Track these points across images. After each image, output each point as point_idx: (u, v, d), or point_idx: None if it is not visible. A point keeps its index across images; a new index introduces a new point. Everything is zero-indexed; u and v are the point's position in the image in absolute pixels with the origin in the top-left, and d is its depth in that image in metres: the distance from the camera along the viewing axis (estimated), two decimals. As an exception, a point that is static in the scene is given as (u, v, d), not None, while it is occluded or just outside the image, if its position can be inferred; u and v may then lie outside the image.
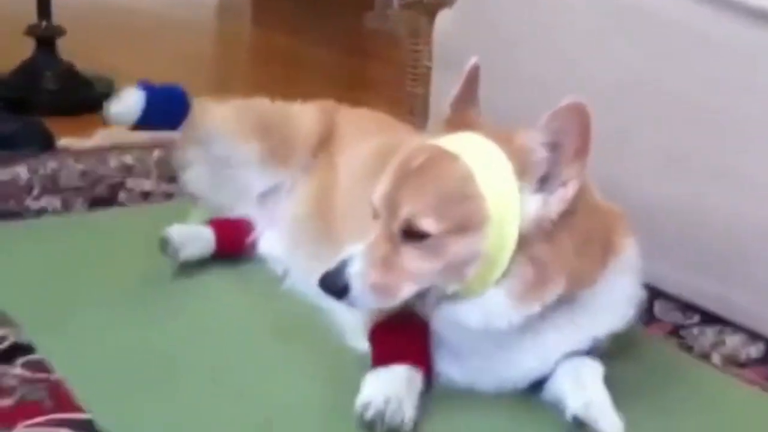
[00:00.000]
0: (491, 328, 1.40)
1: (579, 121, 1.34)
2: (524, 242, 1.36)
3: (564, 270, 1.38)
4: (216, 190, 1.92)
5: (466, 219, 1.35)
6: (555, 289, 1.38)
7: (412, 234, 1.36)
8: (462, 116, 1.47)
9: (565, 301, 1.42)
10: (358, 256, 1.38)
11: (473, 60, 1.49)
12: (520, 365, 1.47)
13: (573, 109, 1.34)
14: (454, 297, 1.40)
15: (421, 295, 1.41)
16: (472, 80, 1.49)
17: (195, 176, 1.94)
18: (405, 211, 1.36)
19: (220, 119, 1.90)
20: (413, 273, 1.37)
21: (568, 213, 1.37)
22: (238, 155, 1.88)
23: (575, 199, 1.38)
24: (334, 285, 1.37)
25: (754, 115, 1.73)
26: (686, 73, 1.83)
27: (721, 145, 1.79)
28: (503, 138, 1.39)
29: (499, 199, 1.35)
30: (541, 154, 1.36)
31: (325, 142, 1.92)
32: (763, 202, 1.73)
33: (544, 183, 1.37)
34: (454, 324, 1.43)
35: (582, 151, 1.36)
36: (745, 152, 1.76)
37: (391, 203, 1.38)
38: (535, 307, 1.38)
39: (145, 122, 1.83)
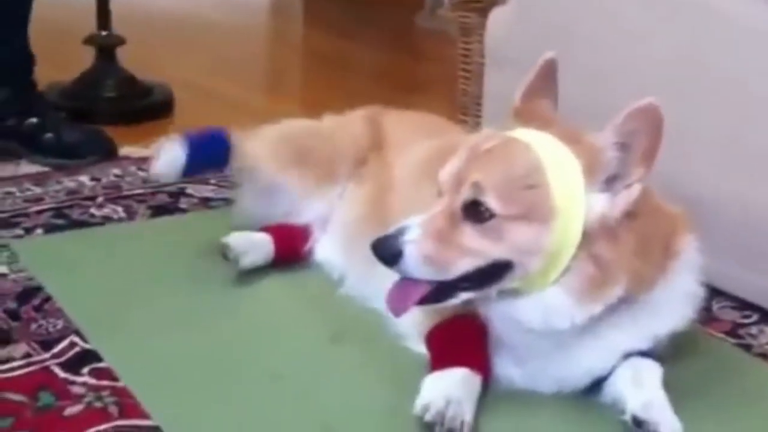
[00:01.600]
0: (551, 327, 1.40)
1: (652, 123, 1.34)
2: (587, 240, 1.36)
3: (625, 271, 1.37)
4: (266, 217, 1.93)
5: (533, 208, 1.35)
6: (616, 290, 1.38)
7: (475, 212, 1.36)
8: (532, 108, 1.47)
9: (626, 301, 1.42)
10: (415, 225, 1.37)
11: (549, 54, 1.49)
12: (580, 365, 1.47)
13: (647, 110, 1.34)
14: (514, 294, 1.40)
15: (483, 294, 1.40)
16: (545, 73, 1.49)
17: (246, 209, 1.96)
18: (471, 185, 1.36)
19: (257, 155, 1.91)
20: (471, 251, 1.36)
21: (631, 214, 1.38)
22: (282, 187, 1.90)
23: (638, 201, 1.38)
24: (387, 250, 1.36)
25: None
26: (741, 64, 1.81)
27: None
28: (573, 137, 1.39)
29: (567, 194, 1.35)
30: (611, 154, 1.36)
31: (374, 147, 1.93)
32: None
33: (610, 183, 1.37)
34: (513, 323, 1.43)
35: (651, 153, 1.35)
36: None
37: (458, 181, 1.39)
38: (597, 308, 1.38)
39: (191, 173, 1.86)
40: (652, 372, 1.47)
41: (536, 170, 1.36)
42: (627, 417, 1.40)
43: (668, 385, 1.46)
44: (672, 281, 1.46)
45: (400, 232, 1.37)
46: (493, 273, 1.38)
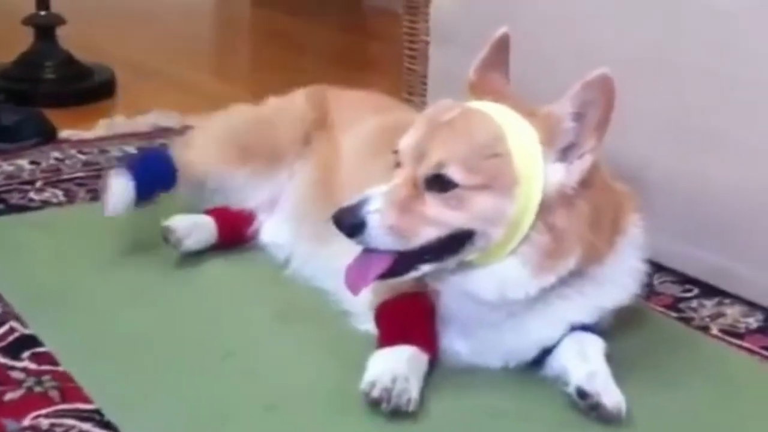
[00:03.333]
0: (506, 299, 1.41)
1: (606, 93, 1.36)
2: (545, 210, 1.37)
3: (579, 241, 1.39)
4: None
5: (496, 177, 1.36)
6: (570, 261, 1.39)
7: (438, 183, 1.36)
8: (486, 82, 1.48)
9: (576, 275, 1.43)
10: (378, 195, 1.36)
11: (503, 29, 1.51)
12: (529, 337, 1.48)
13: (602, 81, 1.35)
14: (470, 266, 1.41)
15: (444, 266, 1.40)
16: (499, 48, 1.50)
17: (197, 201, 1.94)
18: (435, 159, 1.36)
19: (202, 163, 1.89)
20: (434, 220, 1.36)
21: (585, 185, 1.39)
22: (232, 183, 1.89)
23: (591, 172, 1.39)
24: (350, 221, 1.34)
25: (758, 83, 1.73)
26: (688, 42, 1.82)
27: (724, 115, 1.78)
28: (528, 108, 1.41)
29: (527, 163, 1.36)
30: (568, 123, 1.38)
31: (319, 127, 1.92)
32: (763, 171, 1.73)
33: (566, 152, 1.39)
34: (467, 297, 1.43)
35: (603, 123, 1.37)
36: (747, 121, 1.76)
37: (419, 152, 1.38)
38: (550, 279, 1.39)
39: (144, 199, 1.84)
40: (595, 346, 1.49)
41: (498, 139, 1.37)
42: (571, 389, 1.42)
43: (612, 358, 1.48)
44: (619, 257, 1.48)
45: (363, 202, 1.35)
46: (454, 243, 1.38)
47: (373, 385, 1.38)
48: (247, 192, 1.90)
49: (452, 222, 1.37)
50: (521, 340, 1.49)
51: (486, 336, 1.49)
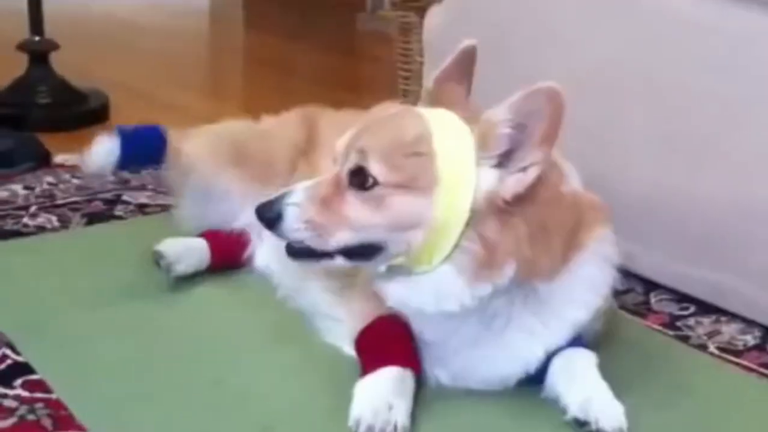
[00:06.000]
0: (442, 309, 1.39)
1: (551, 106, 1.31)
2: (476, 218, 1.34)
3: (514, 256, 1.36)
4: (205, 221, 1.90)
5: (416, 177, 1.34)
6: (505, 271, 1.36)
7: (359, 179, 1.36)
8: (445, 92, 1.46)
9: (528, 297, 1.42)
10: (299, 190, 1.38)
11: (469, 41, 1.48)
12: (498, 368, 1.47)
13: (546, 93, 1.31)
14: (404, 273, 1.39)
15: (362, 266, 1.39)
16: (462, 60, 1.48)
17: (184, 210, 1.93)
18: (357, 153, 1.36)
19: (195, 154, 1.88)
20: (352, 220, 1.36)
21: (527, 200, 1.35)
22: (219, 185, 1.86)
23: (536, 187, 1.35)
24: (268, 213, 1.36)
25: (740, 98, 1.74)
26: (672, 58, 1.83)
27: (709, 130, 1.79)
28: (472, 115, 1.39)
29: (454, 166, 1.34)
30: (504, 129, 1.34)
31: (306, 150, 1.91)
32: (753, 185, 1.73)
33: (504, 161, 1.35)
34: (409, 307, 1.43)
35: (549, 138, 1.33)
36: (732, 136, 1.76)
37: (349, 148, 1.39)
38: (486, 288, 1.36)
39: (124, 167, 1.83)
40: (585, 362, 1.46)
41: (422, 139, 1.35)
42: (569, 418, 1.40)
43: (608, 378, 1.46)
44: (575, 274, 1.44)
45: (284, 195, 1.37)
46: (366, 250, 1.38)
47: (358, 423, 1.37)
48: (234, 202, 1.86)
49: (368, 225, 1.36)
50: (493, 372, 1.47)
51: (459, 364, 1.48)
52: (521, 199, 1.35)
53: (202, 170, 1.87)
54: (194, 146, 1.90)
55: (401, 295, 1.43)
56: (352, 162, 1.37)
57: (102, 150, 1.81)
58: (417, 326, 1.48)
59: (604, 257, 1.49)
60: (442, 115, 1.40)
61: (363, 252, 1.39)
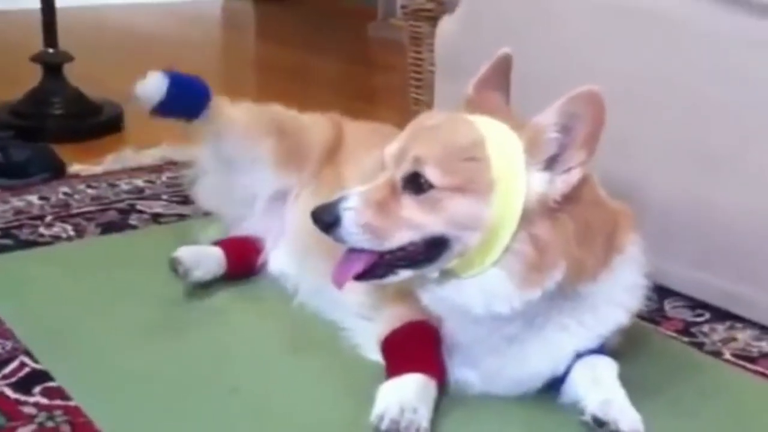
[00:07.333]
0: (492, 311, 1.40)
1: (593, 108, 1.36)
2: (527, 220, 1.37)
3: (564, 255, 1.38)
4: (225, 196, 1.92)
5: (472, 180, 1.36)
6: (555, 274, 1.38)
7: (414, 184, 1.37)
8: (484, 99, 1.49)
9: (569, 298, 1.43)
10: (356, 194, 1.39)
11: (505, 49, 1.52)
12: (531, 366, 1.48)
13: (588, 96, 1.36)
14: (455, 277, 1.41)
15: (423, 272, 1.40)
16: (499, 67, 1.51)
17: (205, 184, 1.95)
18: (412, 159, 1.37)
19: (236, 116, 1.91)
20: (408, 222, 1.37)
21: (572, 200, 1.39)
22: (252, 152, 1.88)
23: (579, 187, 1.39)
24: (326, 216, 1.37)
25: (758, 107, 1.74)
26: (689, 68, 1.83)
27: (727, 140, 1.79)
28: (517, 121, 1.42)
29: (507, 169, 1.37)
30: (551, 134, 1.38)
31: (333, 154, 1.93)
32: (769, 194, 1.74)
33: (551, 163, 1.39)
34: (456, 311, 1.43)
35: (592, 138, 1.37)
36: (749, 145, 1.76)
37: (402, 156, 1.40)
38: (536, 292, 1.38)
39: (164, 108, 1.83)
40: (607, 369, 1.48)
41: (477, 144, 1.37)
42: (587, 417, 1.41)
43: (624, 383, 1.47)
44: (615, 274, 1.47)
45: (340, 200, 1.38)
46: (431, 250, 1.39)
47: (381, 418, 1.38)
48: (259, 175, 1.87)
49: (426, 225, 1.37)
50: (525, 370, 1.48)
51: (491, 364, 1.49)
52: (568, 199, 1.39)
53: (239, 132, 1.88)
54: (236, 109, 1.92)
55: (450, 298, 1.43)
56: (406, 169, 1.38)
57: (152, 84, 1.82)
58: (457, 328, 1.48)
59: (640, 262, 1.51)
60: (490, 121, 1.42)
61: (428, 252, 1.39)
